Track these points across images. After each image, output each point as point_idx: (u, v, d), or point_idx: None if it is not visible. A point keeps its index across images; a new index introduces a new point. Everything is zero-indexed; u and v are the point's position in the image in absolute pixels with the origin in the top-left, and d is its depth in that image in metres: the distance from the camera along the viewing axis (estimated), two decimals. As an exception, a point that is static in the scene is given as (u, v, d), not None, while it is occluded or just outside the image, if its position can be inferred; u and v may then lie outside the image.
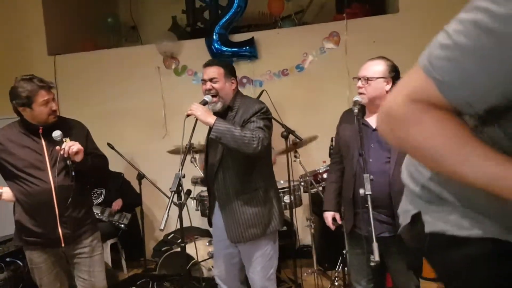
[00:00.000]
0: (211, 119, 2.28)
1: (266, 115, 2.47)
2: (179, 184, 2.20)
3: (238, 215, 2.44)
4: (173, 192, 2.18)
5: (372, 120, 2.40)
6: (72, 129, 2.60)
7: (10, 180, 2.49)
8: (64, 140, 2.42)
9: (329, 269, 3.99)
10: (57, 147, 2.41)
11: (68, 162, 2.42)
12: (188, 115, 2.31)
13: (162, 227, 2.06)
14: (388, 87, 2.32)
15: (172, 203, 3.75)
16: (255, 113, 2.40)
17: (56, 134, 2.42)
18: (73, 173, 2.45)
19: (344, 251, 3.49)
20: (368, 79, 2.31)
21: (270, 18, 5.22)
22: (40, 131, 2.48)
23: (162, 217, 2.11)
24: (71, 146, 2.39)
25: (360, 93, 2.36)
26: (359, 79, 2.36)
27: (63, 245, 2.51)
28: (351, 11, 4.62)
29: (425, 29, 4.36)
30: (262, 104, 2.49)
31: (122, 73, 5.00)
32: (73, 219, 2.51)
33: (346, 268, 3.53)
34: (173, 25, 5.72)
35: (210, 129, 2.46)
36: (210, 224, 2.75)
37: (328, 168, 3.62)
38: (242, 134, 2.25)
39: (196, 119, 2.36)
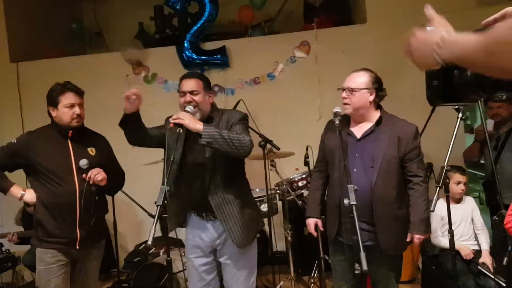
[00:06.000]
0: (199, 125, 2.27)
1: (247, 123, 2.56)
2: (165, 198, 2.17)
3: (238, 219, 2.45)
4: (159, 206, 2.15)
5: (356, 130, 2.47)
6: (98, 142, 2.78)
7: (37, 180, 2.58)
8: (90, 150, 2.65)
9: (303, 275, 4.06)
10: (83, 175, 2.55)
11: (92, 188, 2.56)
12: (174, 124, 2.28)
13: (150, 242, 2.03)
14: (371, 98, 2.41)
15: (149, 215, 3.77)
16: (239, 120, 2.47)
17: (83, 163, 2.56)
18: (96, 197, 2.59)
19: (320, 257, 3.59)
20: (352, 90, 2.39)
21: (241, 26, 5.25)
22: (70, 134, 2.60)
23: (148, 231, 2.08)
24: (96, 174, 2.55)
25: (345, 104, 2.44)
26: (344, 90, 2.44)
27: (77, 247, 2.58)
28: (319, 21, 4.73)
29: (392, 39, 4.52)
30: (245, 114, 2.57)
31: (89, 81, 4.84)
32: (90, 224, 2.59)
33: (321, 274, 3.62)
34: (140, 32, 5.64)
35: (187, 143, 2.49)
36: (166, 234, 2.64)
37: (303, 176, 3.70)
38: (232, 136, 2.28)
39: (179, 131, 2.33)
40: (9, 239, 3.54)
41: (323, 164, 2.65)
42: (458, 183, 3.13)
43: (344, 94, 2.43)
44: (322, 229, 2.65)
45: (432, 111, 3.68)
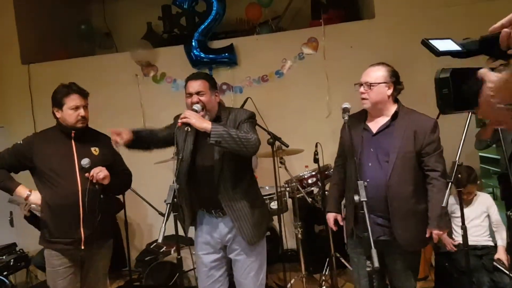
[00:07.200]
0: (207, 124, 2.26)
1: (255, 121, 2.57)
2: (174, 196, 2.18)
3: (248, 216, 2.46)
4: (168, 205, 2.15)
5: (373, 125, 2.45)
6: (102, 141, 2.73)
7: (41, 181, 2.59)
8: (94, 150, 2.64)
9: (314, 272, 4.04)
10: (86, 174, 2.55)
11: (96, 186, 2.57)
12: (182, 123, 2.28)
13: (160, 240, 2.04)
14: (389, 92, 2.38)
15: (159, 214, 3.78)
16: (247, 118, 2.46)
17: (85, 162, 2.56)
18: (101, 196, 2.60)
19: (331, 254, 3.57)
20: (370, 85, 2.37)
21: (248, 24, 5.24)
22: (72, 134, 2.61)
23: (159, 229, 2.10)
24: (98, 172, 2.54)
25: (363, 99, 2.41)
26: (361, 85, 2.41)
27: (82, 247, 2.57)
28: (327, 17, 4.70)
29: (400, 35, 4.49)
30: (252, 112, 2.55)
31: (99, 81, 4.91)
32: (95, 223, 2.58)
33: (333, 271, 3.60)
34: (149, 32, 5.66)
35: (196, 141, 2.48)
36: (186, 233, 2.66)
37: (313, 173, 3.69)
38: (240, 135, 2.27)
39: (187, 130, 2.33)
40: (22, 208, 3.57)
41: (342, 159, 2.65)
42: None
43: (361, 89, 2.40)
44: (342, 223, 2.65)
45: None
